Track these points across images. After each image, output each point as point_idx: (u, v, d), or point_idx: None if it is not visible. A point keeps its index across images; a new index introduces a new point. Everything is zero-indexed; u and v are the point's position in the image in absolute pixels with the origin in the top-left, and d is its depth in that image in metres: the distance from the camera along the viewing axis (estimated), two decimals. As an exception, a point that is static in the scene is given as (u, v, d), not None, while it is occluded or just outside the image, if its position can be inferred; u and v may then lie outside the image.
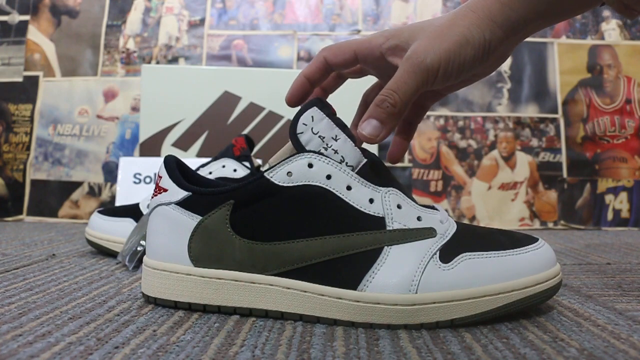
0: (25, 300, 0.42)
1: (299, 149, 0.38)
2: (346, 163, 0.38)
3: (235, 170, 0.64)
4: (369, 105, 0.41)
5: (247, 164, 0.65)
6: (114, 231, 0.63)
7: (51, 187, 1.12)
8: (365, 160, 0.38)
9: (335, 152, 0.38)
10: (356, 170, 0.38)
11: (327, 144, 0.38)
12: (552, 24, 0.44)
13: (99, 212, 0.66)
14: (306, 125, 0.38)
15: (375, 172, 0.39)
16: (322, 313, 0.37)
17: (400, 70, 0.40)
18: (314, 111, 0.38)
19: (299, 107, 0.40)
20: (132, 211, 0.65)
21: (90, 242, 0.65)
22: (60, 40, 1.17)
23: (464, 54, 0.40)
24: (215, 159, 0.67)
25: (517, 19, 0.41)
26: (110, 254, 0.64)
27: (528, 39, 1.15)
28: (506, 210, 1.10)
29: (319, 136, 0.38)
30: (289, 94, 0.44)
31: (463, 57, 0.40)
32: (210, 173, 0.64)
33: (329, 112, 0.39)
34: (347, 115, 0.43)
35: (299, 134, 0.38)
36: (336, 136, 0.38)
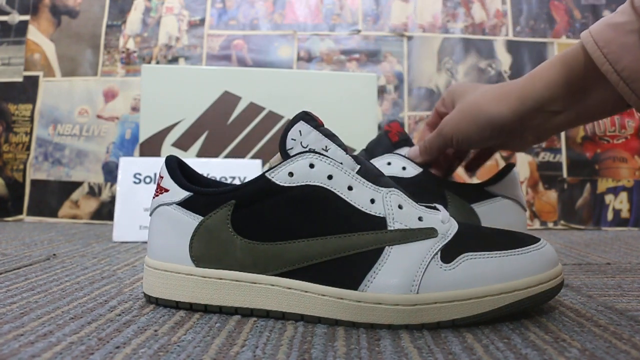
0: (27, 300, 0.42)
1: None
2: None
3: (404, 169, 0.55)
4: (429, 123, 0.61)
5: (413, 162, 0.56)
6: None
7: (51, 187, 1.12)
8: (359, 166, 0.39)
9: None
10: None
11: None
12: (577, 124, 0.50)
13: None
14: (295, 140, 0.38)
15: (370, 176, 0.39)
16: (323, 313, 0.37)
17: (435, 130, 0.54)
18: (301, 125, 0.38)
19: (290, 119, 0.40)
20: None
21: None
22: (60, 40, 1.17)
23: (469, 130, 0.50)
24: (370, 153, 0.57)
25: (532, 104, 0.47)
26: (110, 255, 0.64)
27: (528, 39, 1.15)
28: (506, 210, 1.10)
29: (309, 149, 0.38)
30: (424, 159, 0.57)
31: (469, 133, 0.50)
32: None
33: (316, 124, 0.39)
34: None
35: (288, 149, 0.38)
36: (326, 147, 0.38)
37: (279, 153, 0.39)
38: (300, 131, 0.38)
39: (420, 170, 0.54)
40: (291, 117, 0.96)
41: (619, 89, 0.43)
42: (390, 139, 0.56)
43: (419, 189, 0.52)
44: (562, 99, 0.47)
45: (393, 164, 0.54)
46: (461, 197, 0.53)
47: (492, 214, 0.54)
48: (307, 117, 0.39)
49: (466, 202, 0.53)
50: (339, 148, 0.39)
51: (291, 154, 0.38)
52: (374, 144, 0.57)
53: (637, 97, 0.43)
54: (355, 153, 0.58)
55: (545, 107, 0.47)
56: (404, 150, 0.56)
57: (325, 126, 0.40)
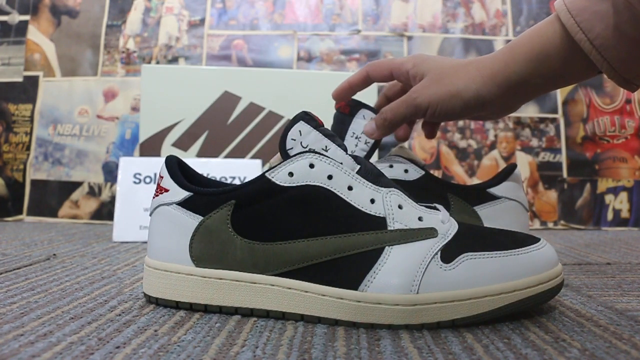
0: (27, 300, 0.42)
1: None
2: None
3: (406, 171, 0.54)
4: (383, 97, 0.57)
5: (417, 162, 0.55)
6: None
7: (51, 187, 1.12)
8: (358, 166, 0.39)
9: None
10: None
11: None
12: (554, 89, 0.50)
13: None
14: (295, 140, 0.38)
15: (370, 177, 0.39)
16: (323, 313, 0.37)
17: (401, 98, 0.50)
18: (301, 125, 0.38)
19: (290, 119, 0.40)
20: None
21: None
22: (60, 40, 1.17)
23: (452, 103, 0.48)
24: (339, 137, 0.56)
25: (517, 79, 0.47)
26: (110, 255, 0.64)
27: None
28: (506, 210, 1.10)
29: (309, 149, 0.38)
30: (334, 92, 0.56)
31: (451, 106, 0.48)
32: None
33: (316, 124, 0.39)
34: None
35: (288, 149, 0.38)
36: (326, 147, 0.38)
37: (279, 153, 0.39)
38: (300, 131, 0.38)
39: (422, 173, 0.54)
40: (291, 117, 0.96)
41: (592, 57, 0.43)
42: (343, 112, 0.55)
43: (422, 192, 0.51)
44: (543, 72, 0.47)
45: (395, 167, 0.54)
46: (464, 200, 0.53)
47: (495, 216, 0.54)
48: (307, 117, 0.39)
49: (469, 205, 0.53)
50: (338, 148, 0.39)
51: (291, 154, 0.38)
52: (335, 126, 0.56)
53: (609, 65, 0.43)
54: None
55: (529, 81, 0.47)
56: (363, 113, 0.54)
57: (325, 126, 0.40)
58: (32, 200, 1.12)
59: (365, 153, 0.53)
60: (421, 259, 0.36)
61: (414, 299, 0.36)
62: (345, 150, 0.39)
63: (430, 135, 0.58)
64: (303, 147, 0.38)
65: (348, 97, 0.55)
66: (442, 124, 1.12)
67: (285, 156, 0.38)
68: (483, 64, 0.49)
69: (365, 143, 0.53)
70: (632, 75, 0.44)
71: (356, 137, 0.53)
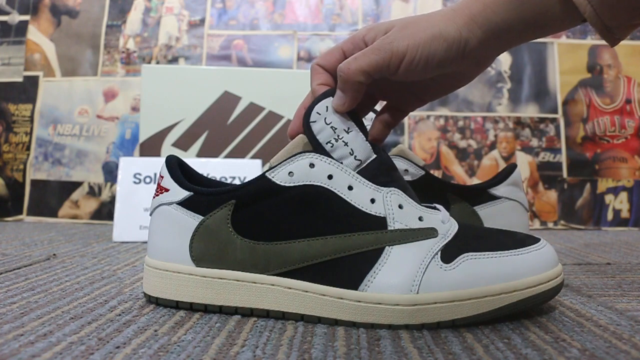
0: (27, 300, 0.42)
1: (310, 137, 0.38)
2: (355, 157, 0.38)
3: (406, 171, 0.53)
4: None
5: (417, 162, 0.54)
6: None
7: (51, 187, 1.12)
8: (374, 156, 0.39)
9: (346, 144, 0.38)
10: (364, 165, 0.38)
11: (338, 136, 0.38)
12: (536, 37, 0.45)
13: None
14: (320, 114, 0.38)
15: (383, 169, 0.39)
16: (323, 313, 0.37)
17: (368, 47, 0.40)
18: (329, 101, 0.38)
19: (321, 94, 0.39)
20: None
21: None
22: (60, 40, 1.17)
23: (435, 46, 0.40)
24: None
25: (498, 22, 0.42)
26: (110, 255, 0.64)
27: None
28: (506, 211, 1.10)
29: (331, 127, 0.38)
30: (291, 131, 0.43)
31: (434, 49, 0.40)
32: None
33: None
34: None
35: (311, 122, 0.38)
36: (348, 129, 0.38)
37: (279, 153, 0.39)
38: (327, 107, 0.38)
39: (422, 173, 0.54)
40: (291, 118, 0.96)
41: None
42: None
43: (421, 192, 0.51)
44: (524, 15, 0.42)
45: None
46: (464, 200, 0.53)
47: (494, 216, 0.54)
48: None
49: (469, 205, 0.53)
50: (360, 133, 0.38)
51: (313, 128, 0.38)
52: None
53: (593, 9, 0.40)
54: None
55: (510, 24, 0.42)
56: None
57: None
58: (32, 200, 1.12)
59: None
60: (421, 259, 0.36)
61: (414, 299, 0.36)
62: (367, 136, 0.39)
63: (380, 134, 0.45)
64: (326, 123, 0.38)
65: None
66: (442, 123, 1.12)
67: (307, 129, 0.38)
68: (459, 7, 0.43)
69: None
70: (616, 23, 0.41)
71: None
